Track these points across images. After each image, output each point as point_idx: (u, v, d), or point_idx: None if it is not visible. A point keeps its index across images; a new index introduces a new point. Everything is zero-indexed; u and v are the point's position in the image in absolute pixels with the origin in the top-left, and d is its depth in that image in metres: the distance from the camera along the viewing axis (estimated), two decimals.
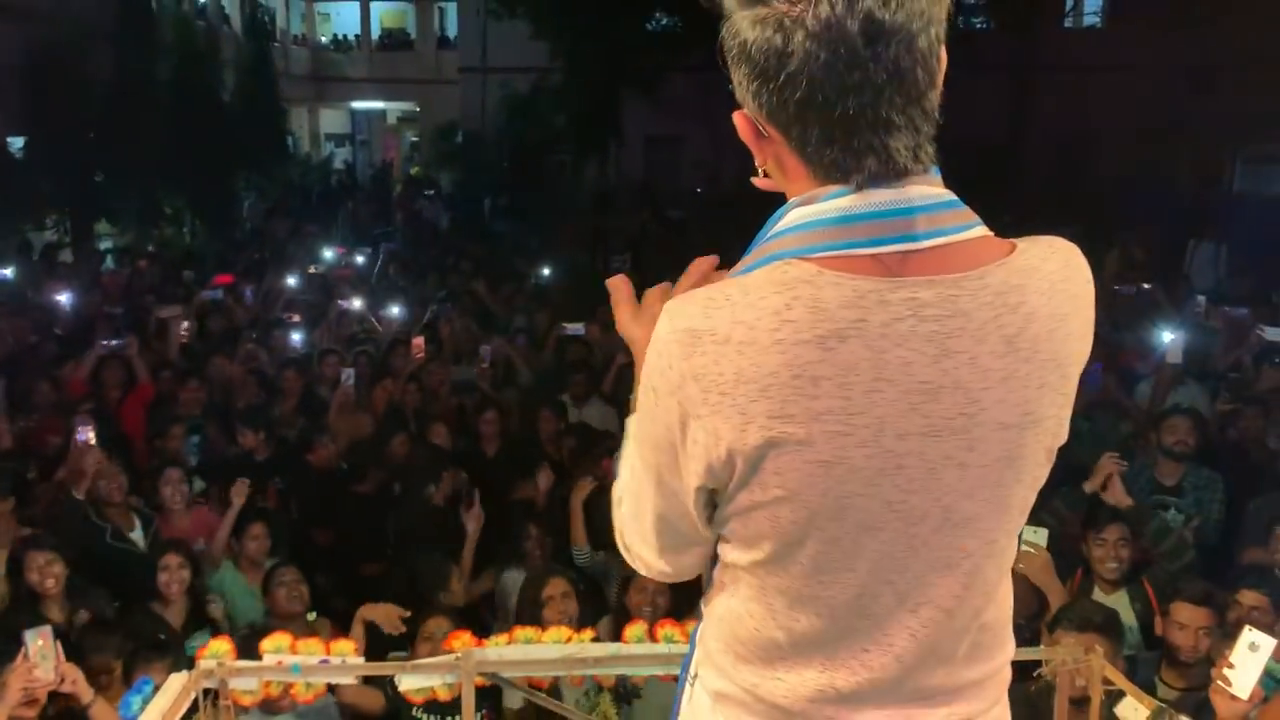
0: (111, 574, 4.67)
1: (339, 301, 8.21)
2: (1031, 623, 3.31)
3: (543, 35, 19.57)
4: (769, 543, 1.11)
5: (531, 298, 9.62)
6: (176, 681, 2.31)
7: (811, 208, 1.07)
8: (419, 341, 6.72)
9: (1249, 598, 3.67)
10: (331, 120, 32.45)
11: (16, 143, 14.04)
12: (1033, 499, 1.18)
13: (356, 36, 31.26)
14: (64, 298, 8.47)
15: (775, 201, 1.15)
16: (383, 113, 32.78)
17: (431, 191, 20.76)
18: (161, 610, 4.40)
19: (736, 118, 1.11)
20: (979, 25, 20.19)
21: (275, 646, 2.47)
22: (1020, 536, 3.48)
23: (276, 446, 6.21)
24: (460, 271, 10.71)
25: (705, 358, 1.04)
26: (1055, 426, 1.13)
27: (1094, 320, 1.15)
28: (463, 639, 2.47)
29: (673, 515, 1.19)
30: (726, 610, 1.21)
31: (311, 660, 2.44)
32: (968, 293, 1.04)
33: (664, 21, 21.02)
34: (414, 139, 31.31)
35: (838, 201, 1.05)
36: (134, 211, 16.39)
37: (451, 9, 27.78)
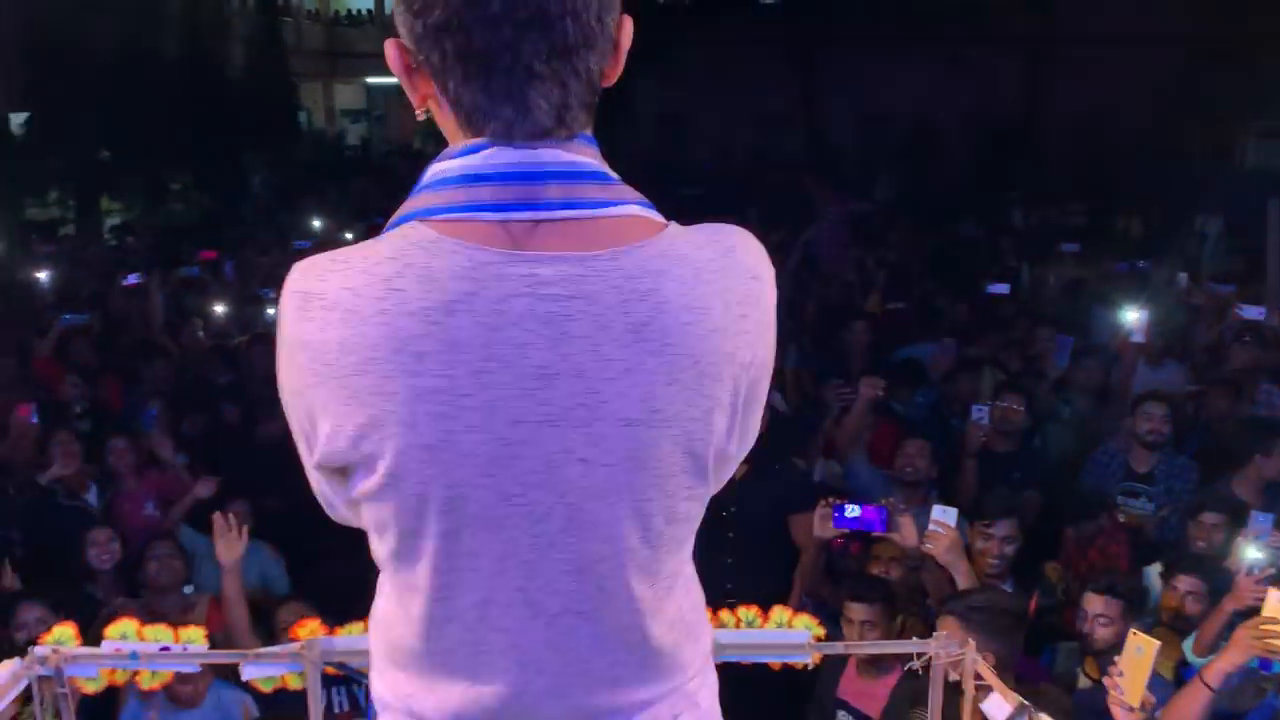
0: (64, 535, 4.67)
1: None
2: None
3: None
4: (391, 533, 1.02)
5: None
6: (5, 667, 2.25)
7: (444, 164, 0.99)
8: None
9: (1184, 583, 3.56)
10: (347, 95, 32.40)
11: (19, 119, 14.07)
12: (687, 510, 1.06)
13: (369, 11, 31.14)
14: (43, 274, 8.46)
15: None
16: (400, 87, 32.65)
17: None
18: (92, 588, 4.39)
19: (387, 46, 1.03)
20: None
21: (119, 632, 2.41)
22: (930, 515, 3.38)
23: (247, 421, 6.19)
24: None
25: (313, 324, 0.96)
26: (700, 430, 1.02)
27: (760, 319, 1.04)
28: (309, 626, 2.40)
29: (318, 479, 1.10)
30: (382, 614, 1.13)
31: (152, 647, 2.37)
32: (595, 273, 0.96)
33: None
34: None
35: (467, 159, 0.98)
36: (139, 188, 16.47)
37: None
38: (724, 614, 2.44)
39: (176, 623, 2.49)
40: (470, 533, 1.00)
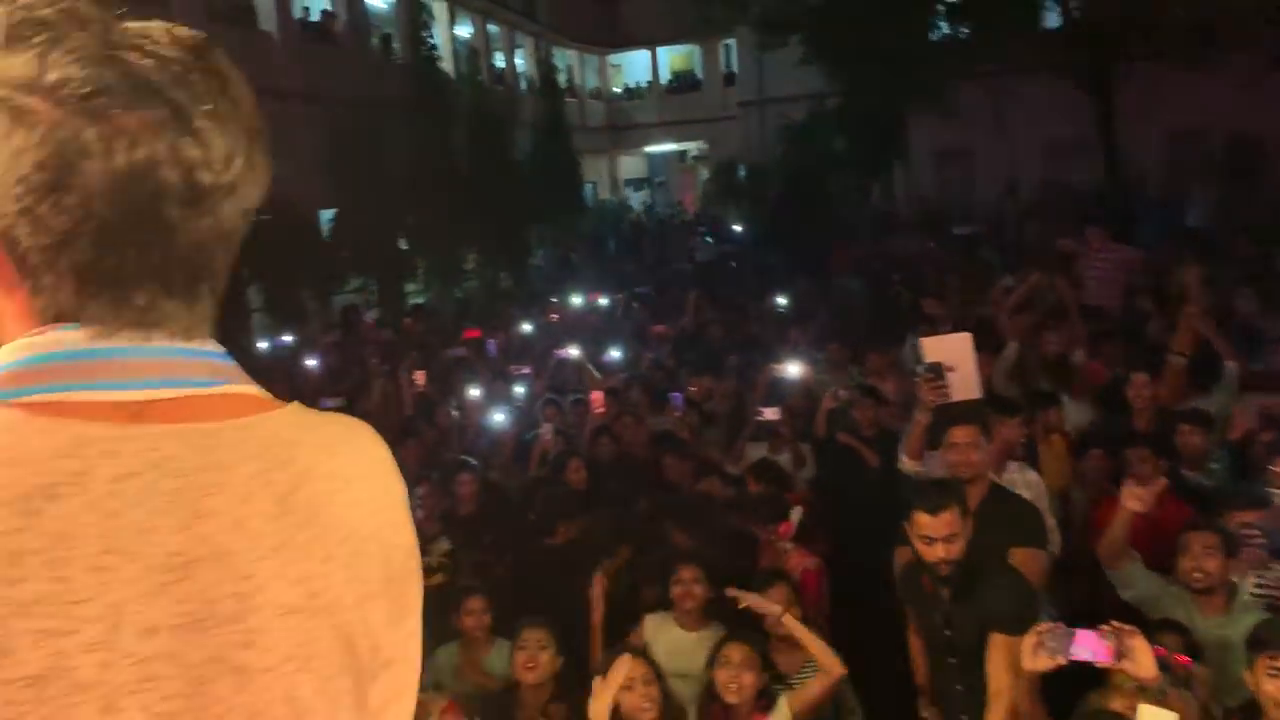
0: None
1: (555, 352, 8.29)
2: None
3: (817, 59, 19.12)
4: None
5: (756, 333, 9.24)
6: None
7: (29, 340, 0.81)
8: (598, 396, 6.56)
9: None
10: (630, 166, 33.71)
11: (326, 215, 15.56)
12: None
13: (648, 83, 32.30)
14: (313, 361, 9.07)
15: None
16: (682, 153, 33.61)
17: (704, 229, 20.82)
18: None
19: None
20: None
21: None
22: None
23: (489, 498, 6.27)
24: (682, 310, 10.47)
25: None
26: (357, 620, 0.86)
27: (398, 496, 0.94)
28: None
29: None
30: None
31: None
32: (226, 443, 0.82)
33: (948, 30, 19.94)
34: (707, 175, 31.83)
35: (65, 334, 0.81)
36: (436, 271, 17.74)
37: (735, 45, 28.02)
38: None
39: None
40: None
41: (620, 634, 4.59)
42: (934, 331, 8.30)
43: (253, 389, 0.88)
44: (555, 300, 12.54)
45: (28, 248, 0.79)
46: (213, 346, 0.87)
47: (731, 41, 27.47)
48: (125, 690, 0.73)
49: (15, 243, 0.79)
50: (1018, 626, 3.15)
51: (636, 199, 32.01)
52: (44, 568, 0.72)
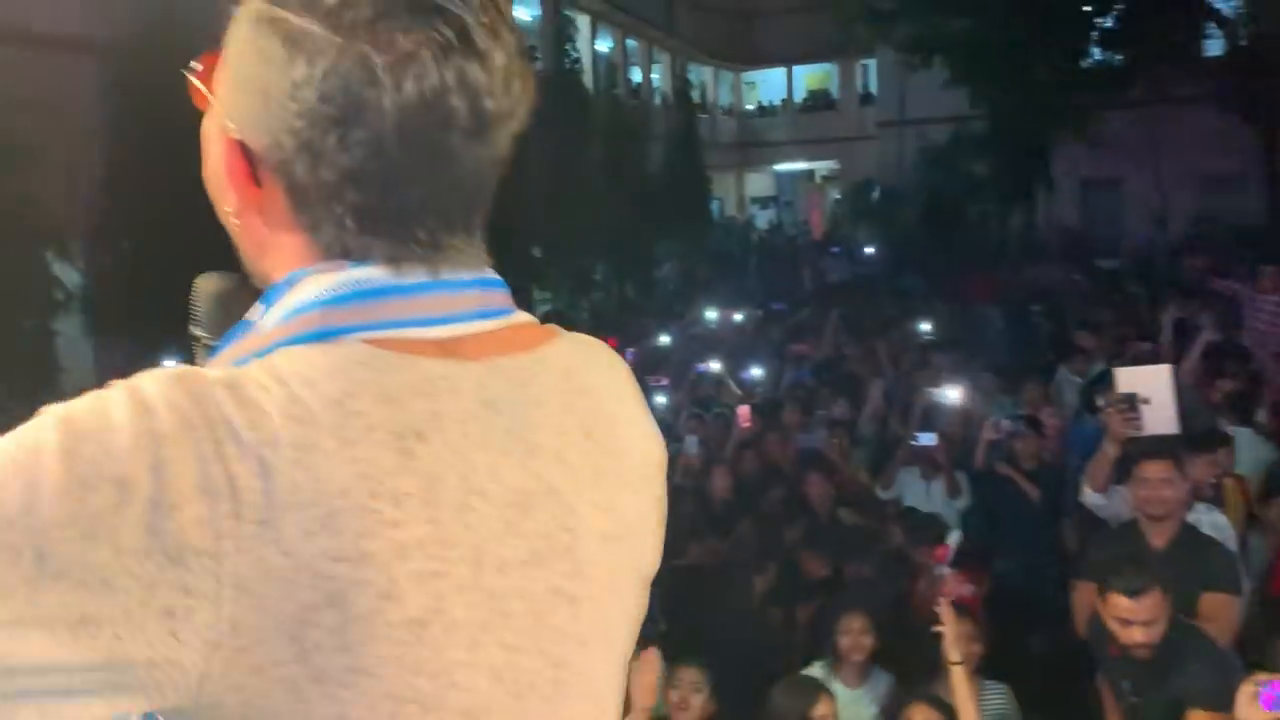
0: None
1: (696, 364, 8.26)
2: None
3: (962, 81, 18.71)
4: None
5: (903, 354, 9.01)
6: None
7: (336, 276, 0.77)
8: (744, 410, 6.48)
9: None
10: (757, 184, 33.59)
11: None
12: (630, 653, 0.89)
13: (782, 101, 32.16)
14: None
15: None
16: (810, 173, 33.35)
17: (837, 249, 20.55)
18: None
19: (226, 144, 0.79)
20: None
21: None
22: None
23: None
24: (819, 331, 10.29)
25: (241, 465, 0.66)
26: (645, 544, 0.88)
27: (651, 424, 0.93)
28: None
29: None
30: None
31: None
32: (533, 377, 0.82)
33: (1099, 57, 19.30)
34: (837, 196, 31.47)
35: (370, 270, 0.77)
36: (566, 280, 17.96)
37: (875, 65, 27.70)
38: None
39: None
40: None
41: (774, 654, 4.51)
42: (1087, 364, 8.02)
43: (529, 316, 0.86)
44: (686, 313, 12.52)
45: (307, 184, 0.76)
46: (493, 275, 0.84)
47: (870, 61, 27.15)
48: (486, 627, 0.74)
49: (293, 178, 0.76)
50: (1219, 701, 2.94)
51: (762, 217, 31.83)
52: (420, 509, 0.71)
